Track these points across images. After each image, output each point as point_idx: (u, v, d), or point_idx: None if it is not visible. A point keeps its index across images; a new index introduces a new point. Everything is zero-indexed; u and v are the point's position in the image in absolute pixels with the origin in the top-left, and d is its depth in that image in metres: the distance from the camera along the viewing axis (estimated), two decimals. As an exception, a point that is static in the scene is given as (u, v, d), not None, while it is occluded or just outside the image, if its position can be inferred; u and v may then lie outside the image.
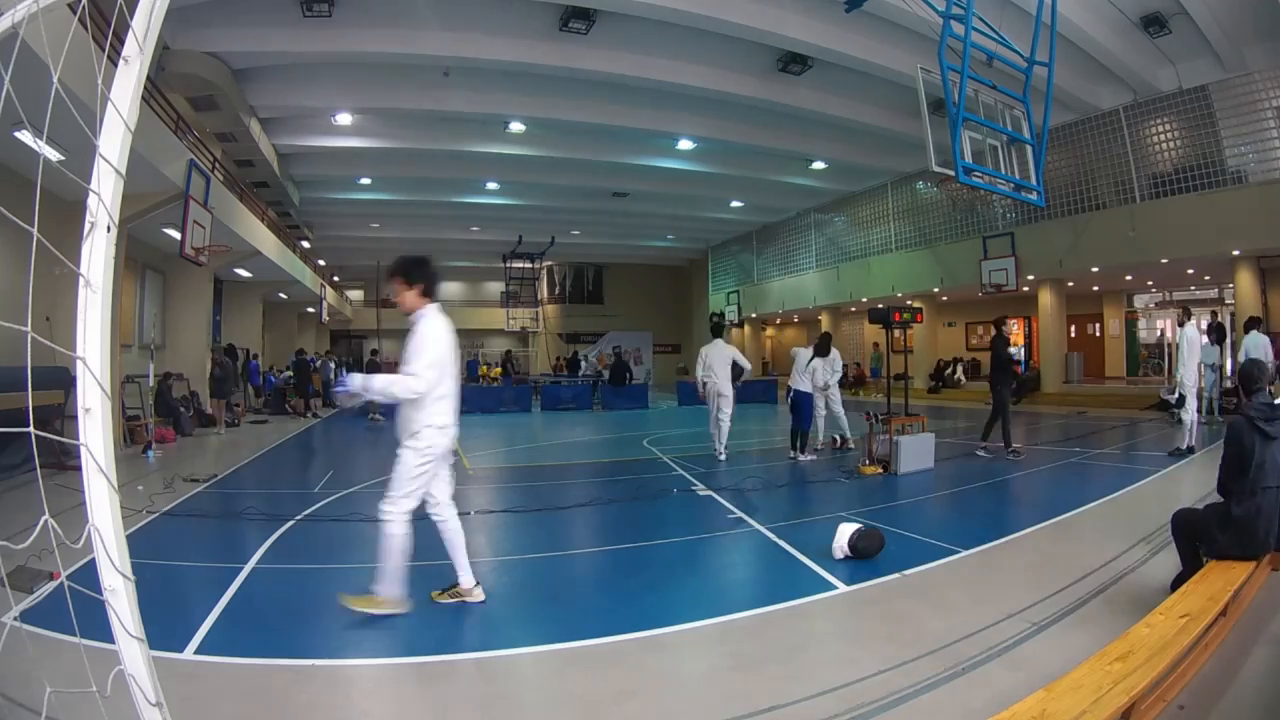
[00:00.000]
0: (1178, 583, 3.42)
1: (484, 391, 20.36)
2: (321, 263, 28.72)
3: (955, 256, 19.06)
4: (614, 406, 18.69)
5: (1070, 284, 18.06)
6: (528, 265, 29.41)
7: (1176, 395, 8.25)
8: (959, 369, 21.52)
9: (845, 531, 4.49)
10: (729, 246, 30.21)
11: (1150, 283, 18.90)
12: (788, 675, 2.92)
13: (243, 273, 17.68)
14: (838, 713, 2.59)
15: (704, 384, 9.00)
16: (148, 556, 4.49)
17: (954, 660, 2.98)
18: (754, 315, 28.51)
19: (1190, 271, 16.66)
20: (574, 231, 26.79)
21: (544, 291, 33.66)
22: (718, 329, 9.16)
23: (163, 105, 10.25)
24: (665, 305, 35.66)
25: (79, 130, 1.63)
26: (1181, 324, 8.50)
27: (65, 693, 1.86)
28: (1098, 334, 20.88)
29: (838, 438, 9.49)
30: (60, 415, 8.08)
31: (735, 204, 23.74)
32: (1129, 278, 17.94)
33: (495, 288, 33.98)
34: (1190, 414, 8.30)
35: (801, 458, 8.58)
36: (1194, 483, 6.67)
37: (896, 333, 8.89)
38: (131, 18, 1.64)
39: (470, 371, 25.08)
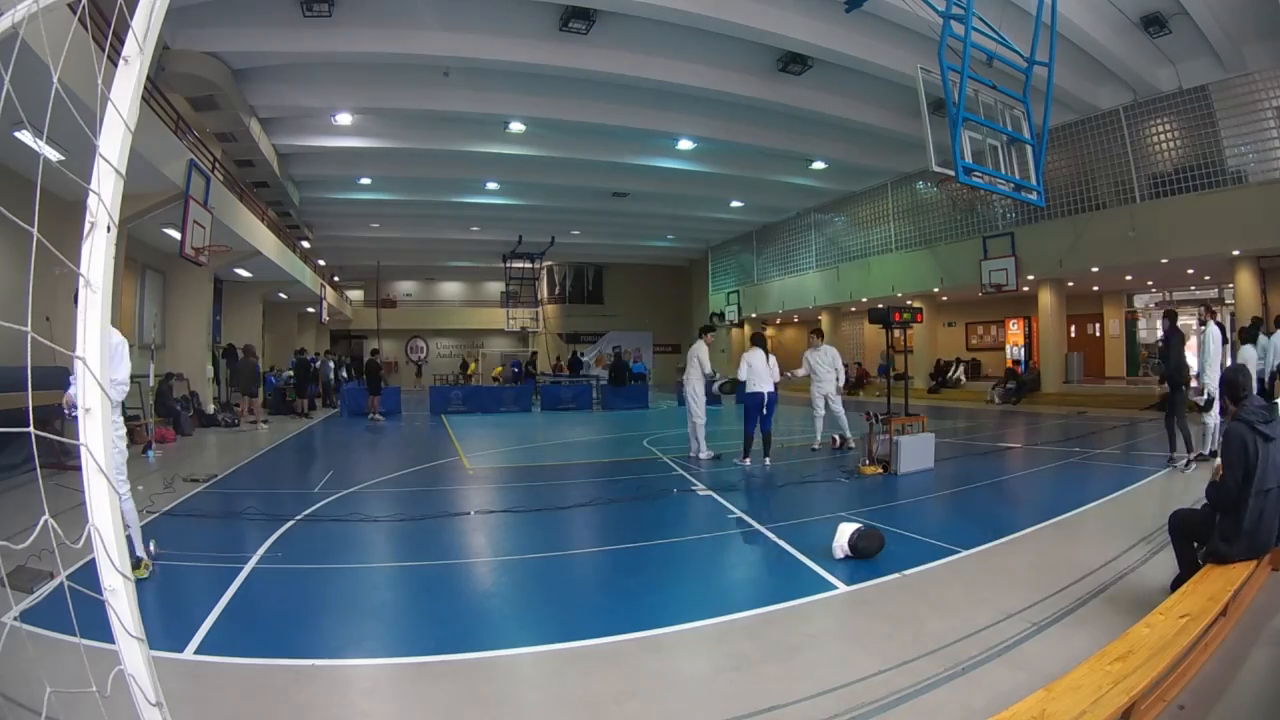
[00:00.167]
0: (1177, 584, 3.42)
1: (484, 391, 20.37)
2: (321, 263, 28.73)
3: (955, 256, 19.06)
4: (614, 406, 18.70)
5: (1070, 284, 18.06)
6: (528, 265, 29.42)
7: (1206, 397, 7.99)
8: (959, 369, 21.54)
9: (845, 531, 4.49)
10: (729, 246, 30.22)
11: (1150, 283, 18.91)
12: (788, 675, 2.92)
13: (243, 273, 17.68)
14: (838, 713, 2.59)
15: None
16: (149, 557, 4.48)
17: (954, 660, 2.98)
18: (754, 315, 28.52)
19: (1190, 271, 16.66)
20: (574, 231, 26.80)
21: (544, 291, 33.68)
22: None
23: (163, 105, 10.25)
24: (665, 305, 35.68)
25: (79, 130, 1.63)
26: (1204, 323, 8.26)
27: (65, 693, 1.86)
28: (1098, 334, 20.89)
29: (837, 437, 9.49)
30: (60, 415, 8.08)
31: (735, 204, 23.75)
32: (1129, 278, 17.94)
33: (495, 288, 34.03)
34: (1214, 417, 7.86)
35: (746, 463, 8.15)
36: (1195, 483, 6.66)
37: (896, 333, 8.88)
38: (131, 18, 1.64)
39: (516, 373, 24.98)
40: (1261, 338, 8.99)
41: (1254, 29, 11.79)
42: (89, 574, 1.55)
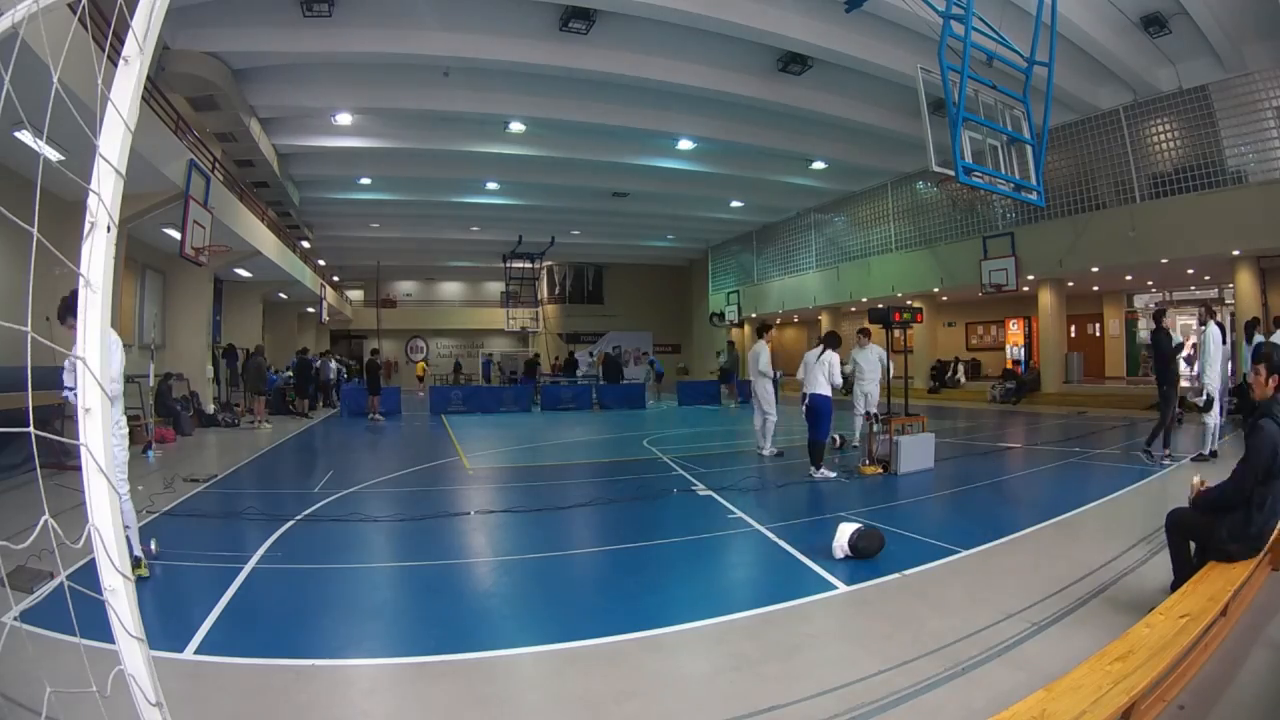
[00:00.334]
0: (1176, 586, 3.41)
1: (484, 391, 20.38)
2: (321, 263, 28.73)
3: (955, 256, 19.06)
4: (609, 406, 18.72)
5: (1070, 284, 18.07)
6: (528, 265, 29.42)
7: (1205, 397, 8.01)
8: (959, 369, 21.54)
9: (845, 531, 4.49)
10: (729, 246, 30.21)
11: (1150, 283, 18.91)
12: (788, 675, 2.92)
13: (243, 273, 17.69)
14: (838, 713, 2.59)
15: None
16: (148, 556, 4.49)
17: (954, 660, 2.98)
18: (754, 315, 28.51)
19: (1190, 271, 16.66)
20: (574, 231, 26.80)
21: (544, 291, 33.68)
22: (764, 328, 9.18)
23: (163, 105, 10.25)
24: (665, 305, 35.68)
25: (79, 130, 1.63)
26: (1204, 323, 8.28)
27: (65, 693, 1.86)
28: (1098, 334, 20.90)
29: (838, 437, 9.49)
30: (60, 415, 8.08)
31: (735, 204, 23.74)
32: (1129, 278, 17.94)
33: (495, 288, 34.04)
34: (1214, 418, 7.92)
35: (818, 474, 7.50)
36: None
37: (896, 333, 8.88)
38: (131, 18, 1.64)
39: (484, 372, 25.23)
40: (1259, 338, 8.97)
41: (1254, 29, 11.79)
42: (89, 574, 1.55)
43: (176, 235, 11.10)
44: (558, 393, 19.65)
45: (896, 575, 4.16)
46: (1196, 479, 3.79)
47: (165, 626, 3.37)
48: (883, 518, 5.58)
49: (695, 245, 31.54)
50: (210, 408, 14.62)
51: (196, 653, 3.14)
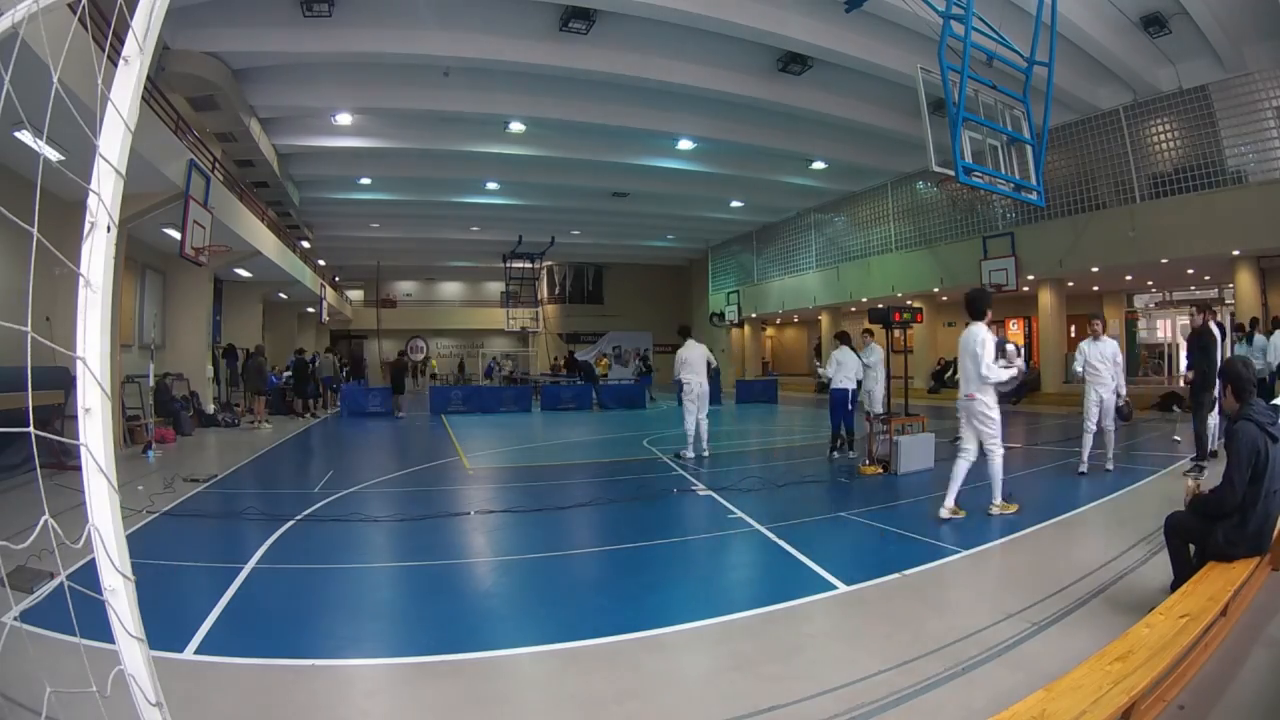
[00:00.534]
0: (1176, 586, 3.40)
1: (484, 391, 20.39)
2: (321, 263, 28.72)
3: (955, 256, 19.06)
4: (608, 405, 18.73)
5: (1070, 284, 18.06)
6: (528, 265, 29.40)
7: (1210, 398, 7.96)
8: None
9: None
10: (729, 246, 30.21)
11: (1150, 283, 18.90)
12: (788, 675, 2.92)
13: (243, 273, 17.68)
14: (838, 713, 2.59)
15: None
16: (148, 556, 4.49)
17: (954, 660, 2.98)
18: (754, 315, 28.52)
19: (1190, 271, 16.66)
20: (574, 231, 26.80)
21: (544, 291, 33.67)
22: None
23: (163, 105, 10.25)
24: (665, 305, 35.64)
25: (79, 130, 1.63)
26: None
27: (65, 693, 1.86)
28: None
29: (843, 435, 9.48)
30: (60, 415, 8.09)
31: (735, 204, 23.74)
32: (1129, 278, 17.93)
33: (495, 288, 34.02)
34: (1215, 417, 7.74)
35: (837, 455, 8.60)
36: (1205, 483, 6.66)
37: (896, 333, 8.87)
38: (131, 18, 1.64)
39: (487, 373, 25.24)
40: (1259, 337, 8.97)
41: (1254, 29, 11.79)
42: (89, 574, 1.55)
43: (176, 235, 11.10)
44: (557, 393, 19.66)
45: (896, 575, 4.16)
46: (1191, 482, 3.81)
47: (165, 626, 3.36)
48: (883, 518, 5.59)
49: (695, 245, 31.53)
50: (210, 408, 14.62)
51: (196, 653, 3.14)
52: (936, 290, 20.22)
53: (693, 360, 9.27)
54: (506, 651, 3.23)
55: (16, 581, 3.55)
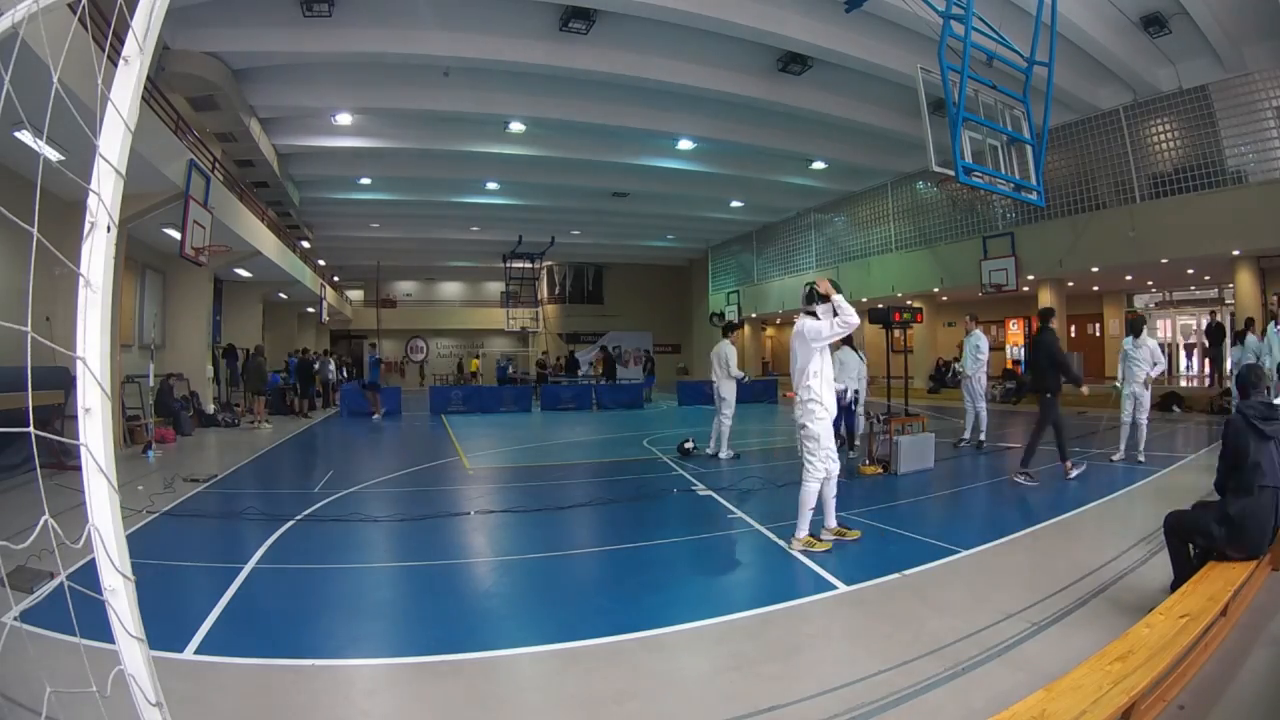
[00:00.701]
0: (1176, 586, 3.42)
1: (484, 391, 20.40)
2: (321, 263, 28.72)
3: (955, 256, 19.05)
4: (607, 405, 18.72)
5: (1070, 284, 18.05)
6: (528, 265, 29.39)
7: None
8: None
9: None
10: (729, 246, 30.20)
11: (1150, 283, 18.89)
12: (788, 675, 2.92)
13: (243, 273, 17.68)
14: (838, 713, 2.59)
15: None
16: (148, 556, 4.49)
17: (954, 660, 2.98)
18: (754, 315, 28.50)
19: (1190, 271, 16.65)
20: (574, 231, 26.79)
21: (544, 291, 33.65)
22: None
23: (163, 105, 10.25)
24: (665, 305, 35.67)
25: (79, 130, 1.63)
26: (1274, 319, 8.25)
27: (65, 693, 1.86)
28: (1098, 334, 20.89)
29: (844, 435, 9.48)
30: (60, 415, 8.08)
31: (735, 204, 23.74)
32: (1129, 278, 17.92)
33: (495, 288, 34.01)
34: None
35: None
36: (1194, 483, 6.66)
37: (896, 333, 8.87)
38: (131, 18, 1.64)
39: (498, 375, 25.20)
40: (1250, 338, 8.98)
41: (1254, 29, 11.79)
42: (89, 574, 1.55)
43: (176, 235, 11.10)
44: (558, 393, 19.66)
45: (896, 575, 4.16)
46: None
47: (165, 626, 3.36)
48: (883, 518, 5.59)
49: (695, 245, 31.52)
50: (210, 408, 14.62)
51: (196, 653, 3.14)
52: (936, 290, 20.22)
53: (711, 359, 9.38)
54: (506, 651, 3.23)
55: (16, 581, 3.55)
